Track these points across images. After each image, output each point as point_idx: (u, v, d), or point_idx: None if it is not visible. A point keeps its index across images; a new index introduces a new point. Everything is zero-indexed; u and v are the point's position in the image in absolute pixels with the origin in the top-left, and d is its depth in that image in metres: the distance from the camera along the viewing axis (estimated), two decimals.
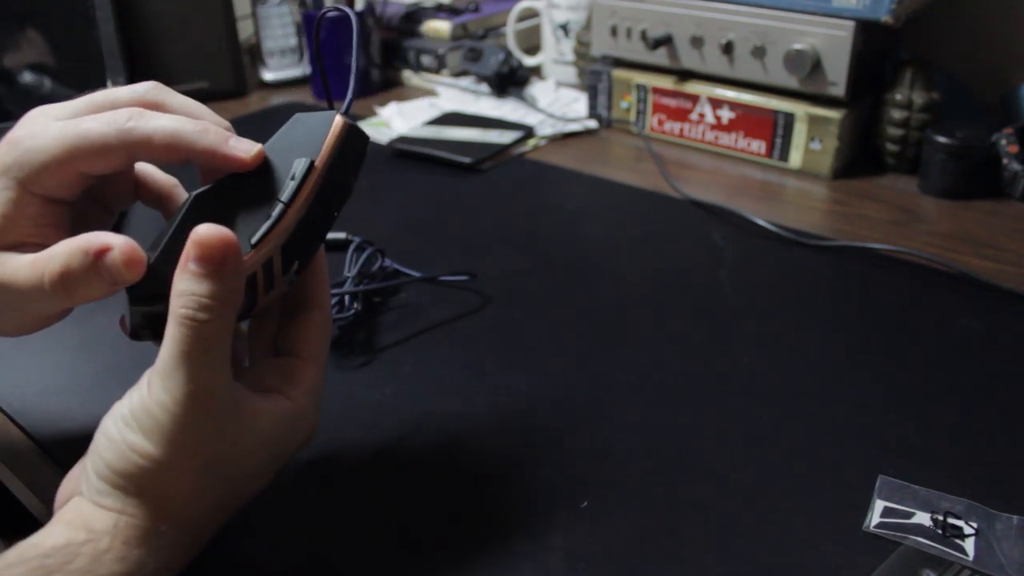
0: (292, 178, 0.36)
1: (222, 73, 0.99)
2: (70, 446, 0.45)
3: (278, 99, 1.00)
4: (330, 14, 0.42)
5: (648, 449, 0.44)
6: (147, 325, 0.35)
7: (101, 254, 0.33)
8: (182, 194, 0.42)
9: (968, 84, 0.81)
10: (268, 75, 1.04)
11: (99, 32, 0.86)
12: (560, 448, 0.44)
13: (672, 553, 0.38)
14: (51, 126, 0.35)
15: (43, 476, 0.44)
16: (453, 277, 0.59)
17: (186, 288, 0.32)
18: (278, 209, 0.35)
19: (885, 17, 0.68)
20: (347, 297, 0.56)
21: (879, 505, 0.40)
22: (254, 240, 0.35)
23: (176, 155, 0.35)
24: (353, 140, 0.38)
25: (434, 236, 0.66)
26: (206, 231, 0.32)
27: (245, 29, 1.04)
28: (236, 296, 0.33)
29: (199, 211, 0.35)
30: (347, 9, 0.41)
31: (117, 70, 0.86)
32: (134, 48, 0.92)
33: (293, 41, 1.04)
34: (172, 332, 0.32)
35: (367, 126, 0.88)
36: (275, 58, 1.04)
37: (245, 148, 0.35)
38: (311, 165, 0.36)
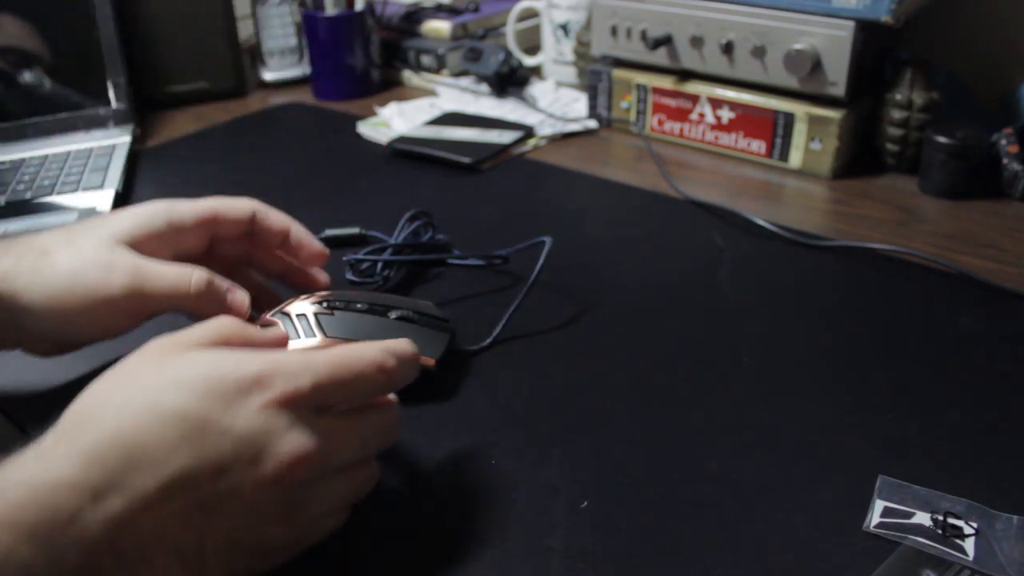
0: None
1: (222, 73, 0.99)
2: None
3: (278, 99, 1.00)
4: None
5: (648, 449, 0.44)
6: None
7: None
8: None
9: (968, 84, 0.81)
10: (268, 75, 1.04)
11: (99, 32, 0.86)
12: (560, 448, 0.44)
13: (672, 553, 0.38)
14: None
15: None
16: (494, 259, 0.61)
17: None
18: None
19: (885, 17, 0.68)
20: (379, 264, 0.58)
21: (879, 505, 0.40)
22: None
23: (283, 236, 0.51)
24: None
25: None
26: None
27: (245, 29, 1.04)
28: None
29: None
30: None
31: (117, 70, 0.86)
32: (134, 48, 0.92)
33: (293, 41, 1.04)
34: None
35: (367, 126, 0.88)
36: (275, 58, 1.04)
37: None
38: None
